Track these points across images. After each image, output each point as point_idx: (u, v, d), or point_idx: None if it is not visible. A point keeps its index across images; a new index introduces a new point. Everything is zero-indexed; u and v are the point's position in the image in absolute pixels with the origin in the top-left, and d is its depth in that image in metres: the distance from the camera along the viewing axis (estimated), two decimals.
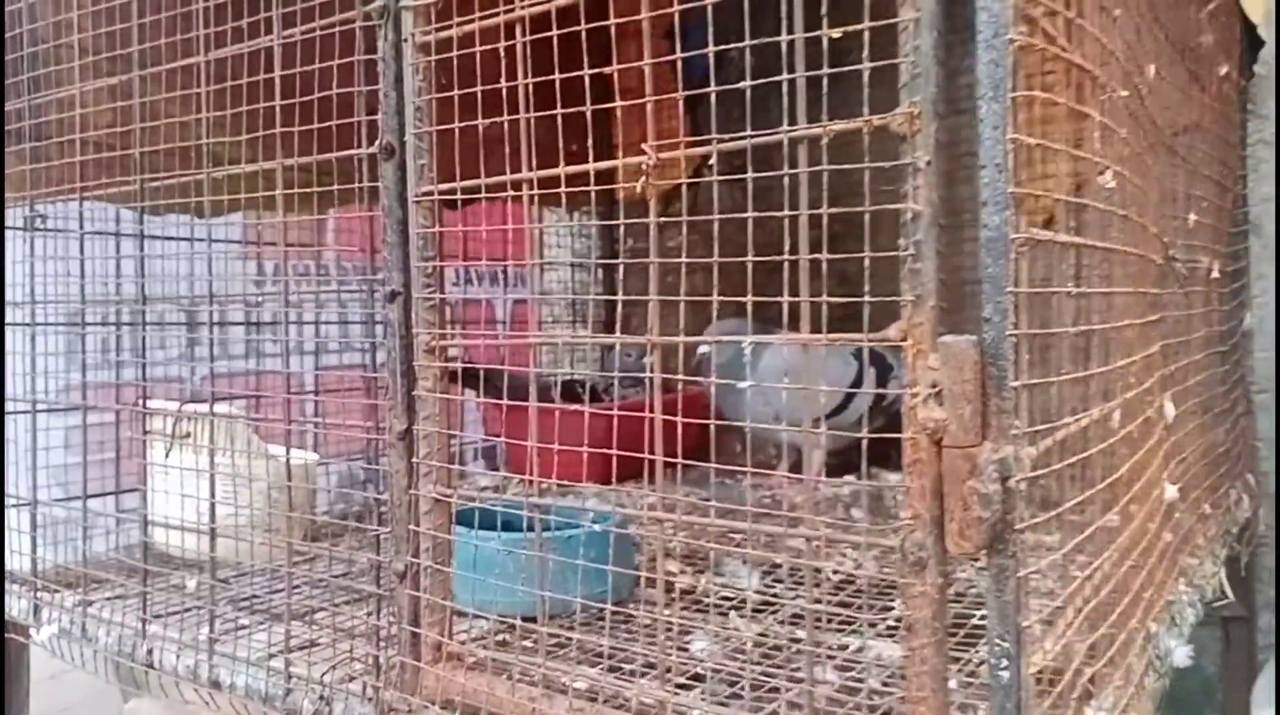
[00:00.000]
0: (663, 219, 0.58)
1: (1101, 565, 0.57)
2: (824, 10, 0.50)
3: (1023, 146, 0.47)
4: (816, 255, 0.51)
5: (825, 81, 0.51)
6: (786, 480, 1.37)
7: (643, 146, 0.55)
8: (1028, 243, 0.46)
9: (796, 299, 0.52)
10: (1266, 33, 1.24)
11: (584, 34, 0.59)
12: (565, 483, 1.18)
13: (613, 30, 0.58)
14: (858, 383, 1.39)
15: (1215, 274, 1.04)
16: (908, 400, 0.47)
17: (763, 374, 1.28)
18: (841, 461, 1.36)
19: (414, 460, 0.65)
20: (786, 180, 0.52)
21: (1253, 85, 1.36)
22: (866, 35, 0.50)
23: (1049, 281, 0.50)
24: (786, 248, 0.52)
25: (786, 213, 0.52)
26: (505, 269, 1.61)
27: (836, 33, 0.50)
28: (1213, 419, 1.11)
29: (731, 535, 0.97)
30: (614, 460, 0.65)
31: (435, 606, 0.65)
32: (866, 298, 0.50)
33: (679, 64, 0.60)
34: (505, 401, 0.87)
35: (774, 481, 1.39)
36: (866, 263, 0.50)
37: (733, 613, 0.84)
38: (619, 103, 0.58)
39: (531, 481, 0.84)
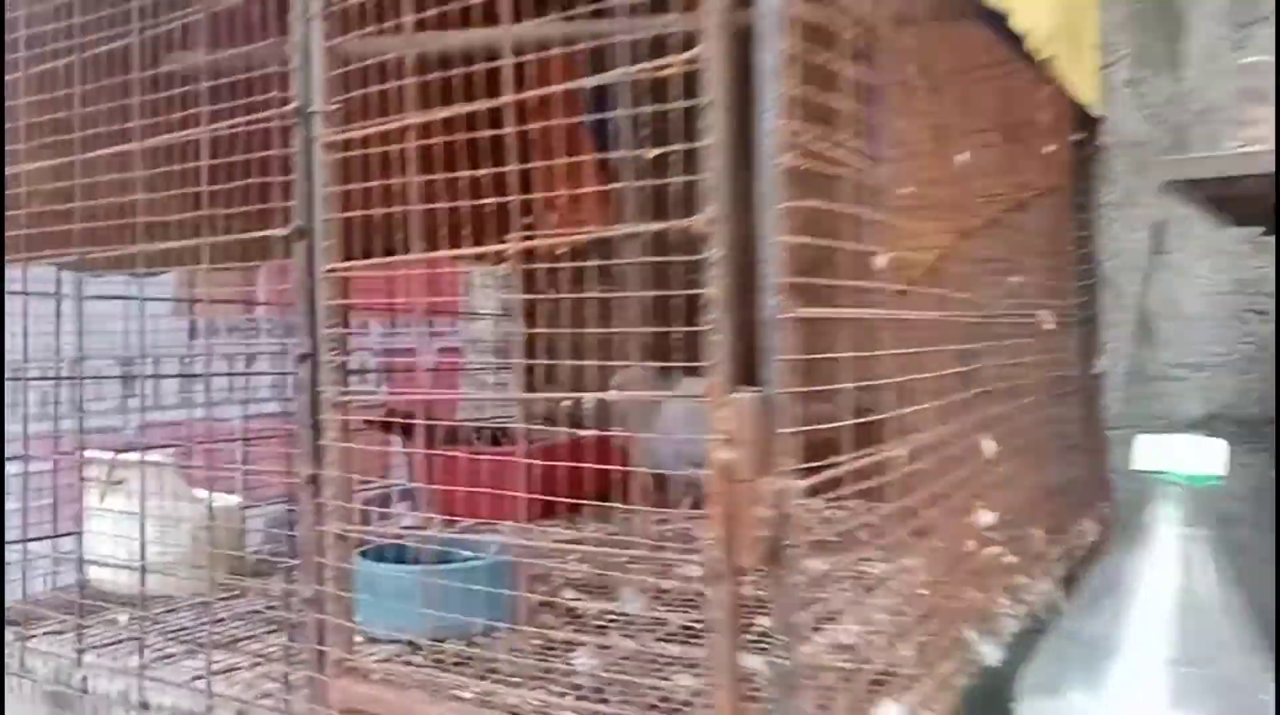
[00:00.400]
0: (528, 296, 0.70)
1: (885, 579, 0.70)
2: (645, 134, 0.63)
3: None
4: (642, 329, 0.64)
5: (646, 189, 0.63)
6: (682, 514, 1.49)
7: (505, 238, 0.67)
8: (797, 320, 0.59)
9: (627, 364, 0.64)
10: (1100, 109, 1.41)
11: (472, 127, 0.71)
12: (486, 521, 1.29)
13: (487, 143, 0.70)
14: None
15: (1050, 326, 1.19)
16: (708, 444, 0.59)
17: (666, 418, 1.41)
18: None
19: (320, 501, 0.75)
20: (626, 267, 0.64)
21: (1099, 155, 1.53)
22: (682, 154, 0.62)
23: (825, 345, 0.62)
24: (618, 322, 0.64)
25: (617, 294, 0.64)
26: (431, 320, 1.71)
27: (654, 152, 0.62)
28: (1055, 454, 1.25)
29: (628, 565, 1.08)
30: (516, 498, 0.76)
31: (338, 628, 0.75)
32: (682, 363, 0.63)
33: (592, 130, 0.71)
34: (403, 449, 0.98)
35: (674, 516, 1.51)
36: (681, 334, 0.63)
37: (615, 632, 0.95)
38: (487, 203, 0.70)
39: (449, 521, 0.95)
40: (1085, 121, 1.43)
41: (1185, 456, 0.68)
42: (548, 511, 1.18)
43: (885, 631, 0.73)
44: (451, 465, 1.20)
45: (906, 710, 0.71)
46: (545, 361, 0.71)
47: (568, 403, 1.04)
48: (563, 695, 0.77)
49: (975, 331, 0.95)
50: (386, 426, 1.50)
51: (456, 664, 0.83)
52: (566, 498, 0.81)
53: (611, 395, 1.27)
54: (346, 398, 0.76)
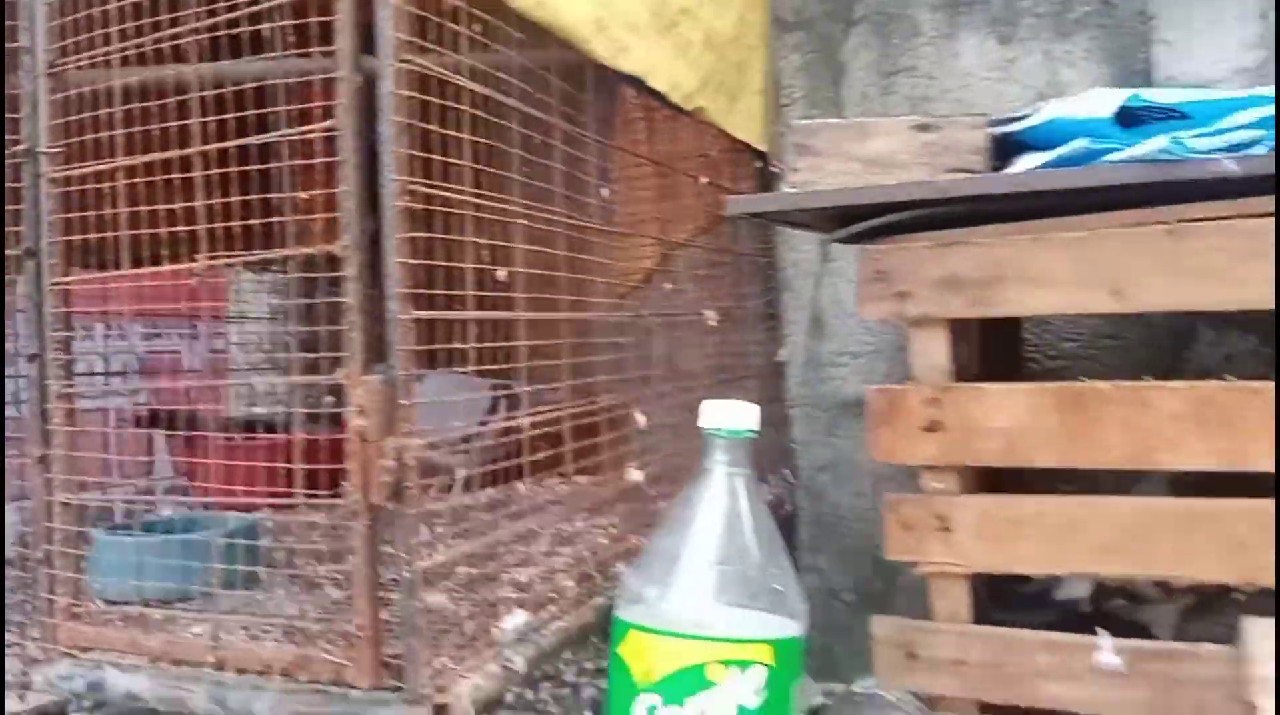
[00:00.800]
0: (232, 317, 0.88)
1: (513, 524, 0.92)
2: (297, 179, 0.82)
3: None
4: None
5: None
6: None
7: (195, 256, 0.85)
8: (417, 320, 0.80)
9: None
10: (765, 145, 1.70)
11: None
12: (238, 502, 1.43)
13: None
14: (493, 410, 1.73)
15: (713, 323, 1.45)
16: (347, 414, 0.79)
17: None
18: (491, 473, 1.69)
19: (49, 476, 0.91)
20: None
21: (776, 182, 1.83)
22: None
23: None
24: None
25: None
26: (194, 323, 1.83)
27: (304, 195, 0.82)
28: None
29: None
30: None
31: (65, 580, 0.91)
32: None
33: None
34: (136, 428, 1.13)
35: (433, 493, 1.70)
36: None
37: (335, 589, 1.14)
38: (183, 229, 0.87)
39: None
40: (762, 154, 1.73)
41: (728, 417, 0.92)
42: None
43: (548, 567, 0.96)
44: (206, 454, 1.34)
45: (533, 619, 0.93)
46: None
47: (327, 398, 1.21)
48: (268, 631, 0.96)
49: (626, 328, 1.19)
50: (150, 421, 1.63)
51: (182, 611, 0.99)
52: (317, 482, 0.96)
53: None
54: (70, 390, 0.91)
